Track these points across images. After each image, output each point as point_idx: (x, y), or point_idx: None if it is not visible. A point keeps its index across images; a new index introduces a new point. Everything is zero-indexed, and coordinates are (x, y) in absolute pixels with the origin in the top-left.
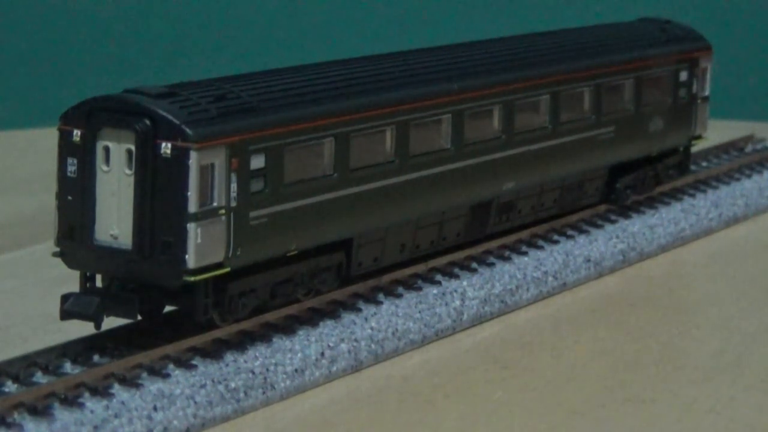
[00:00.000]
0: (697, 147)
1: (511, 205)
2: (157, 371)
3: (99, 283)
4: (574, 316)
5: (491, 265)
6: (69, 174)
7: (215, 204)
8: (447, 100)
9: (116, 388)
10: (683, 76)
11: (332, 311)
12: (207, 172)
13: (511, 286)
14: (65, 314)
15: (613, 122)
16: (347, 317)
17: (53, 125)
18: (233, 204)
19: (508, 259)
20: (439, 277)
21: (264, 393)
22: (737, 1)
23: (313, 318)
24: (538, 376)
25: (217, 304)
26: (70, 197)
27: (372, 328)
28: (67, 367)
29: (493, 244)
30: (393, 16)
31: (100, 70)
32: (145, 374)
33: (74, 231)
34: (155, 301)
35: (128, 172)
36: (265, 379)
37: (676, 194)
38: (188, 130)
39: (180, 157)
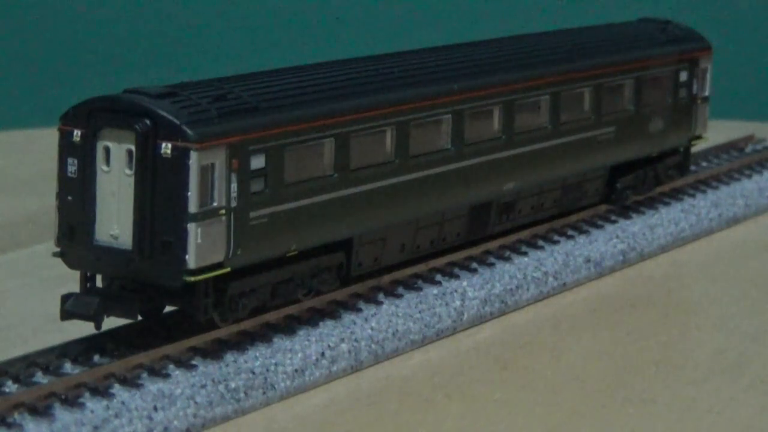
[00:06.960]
0: (697, 147)
1: (512, 205)
2: (158, 371)
3: (99, 283)
4: (574, 316)
5: (491, 265)
6: (69, 174)
7: (215, 204)
8: (447, 100)
9: (116, 388)
10: (683, 76)
11: (332, 311)
12: (207, 173)
13: (511, 286)
14: (65, 314)
15: (613, 122)
16: (347, 317)
17: (53, 125)
18: (233, 204)
19: (508, 259)
20: (439, 277)
21: (264, 393)
22: (737, 1)
23: (313, 318)
24: (538, 376)
25: (217, 304)
26: (70, 197)
27: (372, 329)
28: (68, 367)
29: (493, 244)
30: (394, 16)
31: (100, 70)
32: (145, 374)
33: (74, 231)
34: (155, 301)
35: (128, 172)
36: (265, 379)
37: (676, 194)
38: (188, 131)
39: (180, 158)
